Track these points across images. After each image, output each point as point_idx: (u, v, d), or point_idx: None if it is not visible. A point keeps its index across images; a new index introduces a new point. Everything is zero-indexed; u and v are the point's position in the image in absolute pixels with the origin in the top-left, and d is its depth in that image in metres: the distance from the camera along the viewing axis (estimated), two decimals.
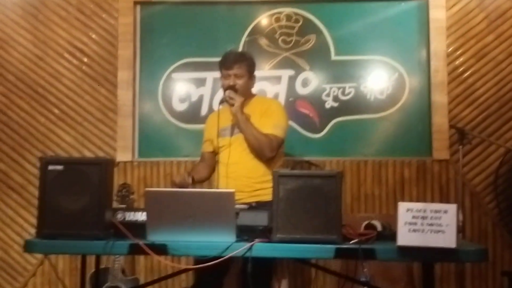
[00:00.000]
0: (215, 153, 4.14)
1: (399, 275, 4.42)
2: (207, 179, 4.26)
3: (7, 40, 5.36)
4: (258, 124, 3.92)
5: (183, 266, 2.89)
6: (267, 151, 3.90)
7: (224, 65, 4.03)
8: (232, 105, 3.90)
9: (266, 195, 3.68)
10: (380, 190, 5.02)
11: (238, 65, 3.99)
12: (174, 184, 3.92)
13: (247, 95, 4.05)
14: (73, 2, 5.33)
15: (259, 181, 3.91)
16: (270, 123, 3.94)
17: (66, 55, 5.31)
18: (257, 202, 3.69)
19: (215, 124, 4.07)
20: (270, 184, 3.75)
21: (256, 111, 4.00)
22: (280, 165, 4.08)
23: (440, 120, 4.98)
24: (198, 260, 2.90)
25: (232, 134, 4.00)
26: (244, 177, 3.92)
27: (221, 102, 4.04)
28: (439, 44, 5.05)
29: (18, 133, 5.29)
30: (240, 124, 3.90)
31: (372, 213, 4.86)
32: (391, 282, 4.33)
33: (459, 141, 4.55)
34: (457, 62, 5.06)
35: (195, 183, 4.01)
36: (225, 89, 3.98)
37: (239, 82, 3.98)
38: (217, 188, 4.00)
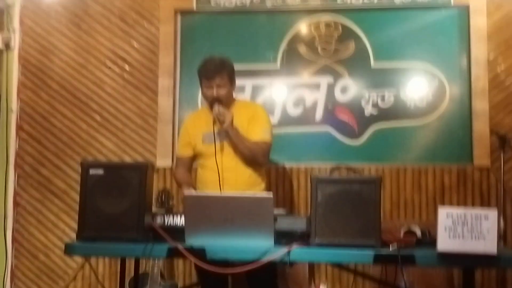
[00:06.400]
0: (193, 158, 4.17)
1: (439, 282, 4.37)
2: None
3: (50, 48, 5.46)
4: (246, 131, 3.98)
5: (221, 270, 2.89)
6: (261, 159, 4.01)
7: (205, 75, 4.00)
8: (222, 122, 3.90)
9: None
10: (420, 197, 4.97)
11: (220, 74, 3.97)
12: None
13: (230, 102, 4.08)
14: (115, 11, 5.40)
15: (252, 185, 3.98)
16: (259, 129, 4.00)
17: (108, 63, 5.39)
18: None
19: (197, 128, 4.09)
20: (260, 189, 3.97)
21: (243, 117, 4.01)
22: (264, 169, 4.17)
23: (481, 127, 4.92)
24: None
25: (221, 139, 4.00)
26: (238, 183, 3.92)
27: (214, 123, 3.97)
28: (480, 51, 4.99)
29: (60, 139, 5.38)
30: (233, 139, 3.94)
31: (412, 220, 4.82)
32: None
33: (500, 148, 4.49)
34: (498, 70, 4.99)
35: None
36: (209, 102, 3.99)
37: (222, 92, 3.97)
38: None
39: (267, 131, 4.03)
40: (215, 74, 3.95)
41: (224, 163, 3.96)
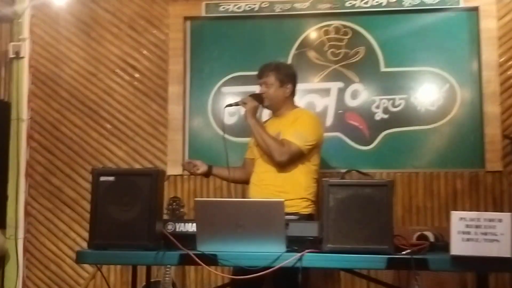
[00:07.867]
0: (254, 160, 4.16)
1: (453, 287, 4.33)
2: (242, 183, 4.36)
3: (60, 57, 5.48)
4: (285, 133, 3.94)
5: (232, 276, 2.87)
6: (276, 155, 3.88)
7: (257, 75, 4.11)
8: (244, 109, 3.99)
9: (290, 207, 3.60)
10: (432, 202, 4.93)
11: (267, 73, 4.04)
12: (183, 165, 4.26)
13: (281, 105, 4.09)
14: (125, 19, 5.42)
15: (283, 190, 3.86)
16: (293, 131, 3.92)
17: (118, 71, 5.39)
18: None
19: None
20: (294, 196, 3.84)
21: (289, 121, 4.01)
22: (313, 178, 4.03)
23: (492, 131, 4.88)
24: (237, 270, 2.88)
25: None
26: (270, 186, 3.92)
27: (228, 105, 4.13)
28: (490, 54, 4.95)
29: (71, 148, 5.39)
30: (250, 127, 3.98)
31: (424, 225, 4.78)
32: None
33: None
34: (509, 72, 4.95)
35: (211, 175, 4.21)
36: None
37: (269, 91, 4.03)
38: (249, 196, 4.04)
39: (300, 136, 3.90)
40: (263, 72, 4.06)
41: (262, 165, 4.02)
